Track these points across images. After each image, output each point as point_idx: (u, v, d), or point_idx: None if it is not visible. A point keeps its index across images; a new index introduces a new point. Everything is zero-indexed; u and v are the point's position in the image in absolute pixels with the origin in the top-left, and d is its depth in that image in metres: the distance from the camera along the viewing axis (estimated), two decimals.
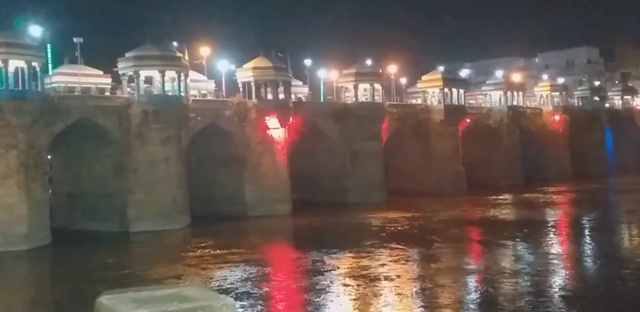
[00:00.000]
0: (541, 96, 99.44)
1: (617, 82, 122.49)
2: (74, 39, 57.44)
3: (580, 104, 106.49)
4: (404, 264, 38.11)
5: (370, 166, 71.42)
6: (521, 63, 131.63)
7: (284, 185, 63.38)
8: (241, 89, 63.57)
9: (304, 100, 75.64)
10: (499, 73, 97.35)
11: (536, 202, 70.15)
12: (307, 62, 78.49)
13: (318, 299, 30.20)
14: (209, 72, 69.64)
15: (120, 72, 55.56)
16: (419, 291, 31.56)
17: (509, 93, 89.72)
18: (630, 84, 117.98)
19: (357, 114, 70.55)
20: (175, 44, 63.17)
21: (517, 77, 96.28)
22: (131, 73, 54.50)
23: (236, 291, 31.64)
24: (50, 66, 57.72)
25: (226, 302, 6.98)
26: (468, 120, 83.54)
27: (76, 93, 56.86)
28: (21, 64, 47.49)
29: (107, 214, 53.94)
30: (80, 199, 55.81)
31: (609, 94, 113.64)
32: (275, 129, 62.76)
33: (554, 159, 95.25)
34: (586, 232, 52.21)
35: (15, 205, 46.31)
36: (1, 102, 45.83)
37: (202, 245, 46.22)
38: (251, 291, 32.05)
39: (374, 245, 43.96)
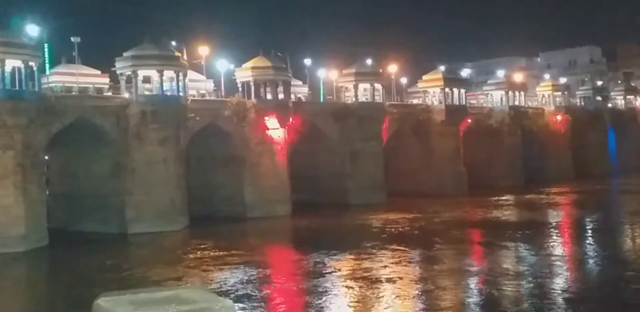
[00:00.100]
0: (543, 96, 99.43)
1: (619, 81, 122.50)
2: (72, 39, 57.40)
3: (582, 104, 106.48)
4: (405, 265, 38.07)
5: (370, 166, 71.38)
6: (523, 62, 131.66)
7: (283, 186, 63.34)
8: (240, 89, 63.50)
9: (303, 100, 75.62)
10: (500, 73, 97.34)
11: (538, 203, 70.11)
12: (307, 61, 78.47)
13: (319, 302, 30.15)
14: (208, 71, 69.66)
15: (118, 72, 55.49)
16: (421, 293, 31.51)
17: (510, 93, 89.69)
18: (633, 84, 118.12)
19: (357, 114, 70.52)
20: (173, 43, 63.13)
21: (518, 77, 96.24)
22: (129, 73, 54.47)
23: (236, 293, 31.59)
24: (47, 66, 57.62)
25: (225, 304, 6.95)
26: (469, 121, 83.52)
27: (74, 93, 56.81)
28: (18, 63, 47.45)
29: (105, 215, 53.86)
30: (77, 200, 55.70)
31: (612, 93, 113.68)
32: (275, 129, 62.72)
33: (556, 159, 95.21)
34: (589, 233, 52.22)
35: (12, 206, 46.24)
36: None
37: (201, 247, 46.18)
38: (251, 294, 31.98)
39: (375, 246, 43.92)
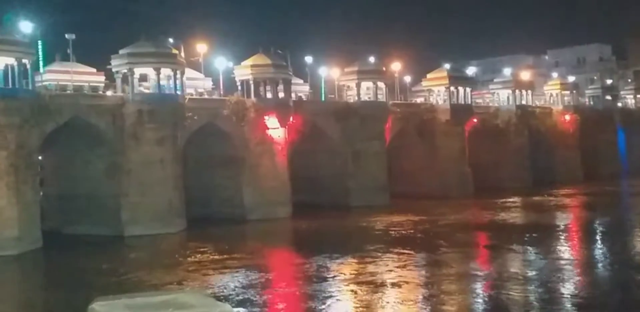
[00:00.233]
0: (551, 95, 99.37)
1: (630, 80, 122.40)
2: (66, 35, 57.38)
3: (591, 103, 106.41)
4: (410, 269, 37.96)
5: (373, 167, 71.35)
6: (530, 60, 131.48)
7: (284, 187, 63.30)
8: (239, 88, 63.50)
9: (304, 99, 75.59)
10: (507, 71, 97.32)
11: (546, 205, 70.06)
12: (308, 59, 78.39)
13: (322, 307, 30.03)
14: (206, 69, 69.59)
15: (113, 70, 55.53)
16: (426, 298, 31.38)
17: (517, 92, 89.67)
18: None
19: (359, 114, 70.51)
20: (171, 40, 62.92)
21: (525, 75, 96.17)
22: (125, 71, 54.43)
23: (236, 298, 31.50)
24: (41, 63, 57.56)
25: (224, 309, 6.88)
26: (475, 120, 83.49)
27: (68, 91, 56.75)
28: (11, 61, 47.46)
29: (100, 217, 53.85)
30: (72, 202, 55.64)
31: (622, 92, 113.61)
32: (275, 128, 62.69)
33: (564, 160, 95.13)
34: (598, 236, 52.16)
35: (5, 208, 46.25)
36: None
37: (200, 249, 46.11)
38: (252, 298, 31.87)
39: (378, 249, 43.87)
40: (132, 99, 54.07)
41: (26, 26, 50.97)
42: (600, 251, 45.16)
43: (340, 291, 33.13)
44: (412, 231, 53.65)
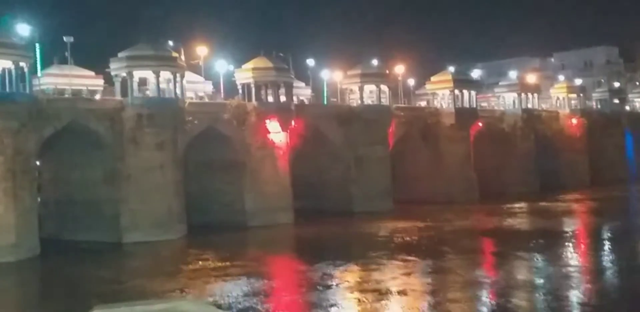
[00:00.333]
0: (557, 98, 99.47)
1: (638, 83, 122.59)
2: (64, 38, 57.55)
3: (598, 106, 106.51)
4: (415, 277, 38.16)
5: (376, 172, 71.44)
6: (536, 63, 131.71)
7: (285, 192, 63.41)
8: (240, 91, 63.69)
9: (306, 102, 75.76)
10: (512, 74, 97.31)
11: (553, 210, 70.16)
12: (310, 62, 78.57)
13: None
14: (207, 73, 69.83)
15: (112, 73, 55.69)
16: (433, 305, 31.52)
17: (523, 95, 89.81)
18: None
19: (362, 118, 70.66)
20: (170, 43, 63.31)
21: (531, 78, 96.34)
22: (124, 74, 54.62)
23: (239, 306, 31.66)
24: (38, 67, 57.80)
25: None
26: (480, 124, 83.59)
27: (66, 95, 56.93)
28: (8, 64, 47.62)
29: (99, 223, 53.95)
30: (70, 208, 55.80)
31: (630, 96, 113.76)
32: (277, 133, 62.83)
33: (571, 165, 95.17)
34: (606, 242, 52.30)
35: (2, 214, 46.32)
36: None
37: (201, 257, 46.25)
38: (255, 307, 31.98)
39: (382, 256, 44.04)
40: (131, 103, 54.24)
41: (23, 29, 51.16)
42: (609, 258, 45.27)
43: (345, 299, 33.27)
44: (416, 238, 53.80)
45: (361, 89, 72.68)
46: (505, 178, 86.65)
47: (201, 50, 67.71)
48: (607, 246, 50.68)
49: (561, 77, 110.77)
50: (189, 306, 7.27)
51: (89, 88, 61.59)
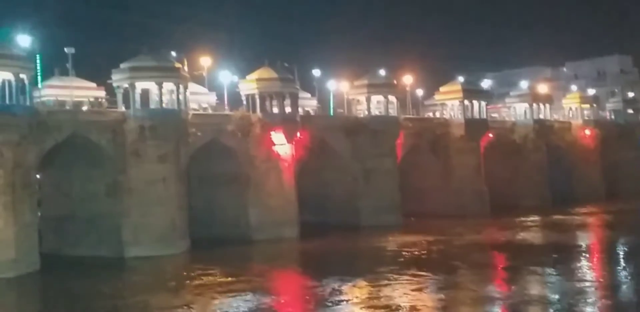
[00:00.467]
0: (570, 109, 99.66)
1: None
2: (65, 49, 58.00)
3: (612, 117, 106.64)
4: (427, 292, 38.33)
5: (384, 185, 71.65)
6: (548, 73, 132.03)
7: (291, 206, 63.63)
8: (244, 102, 64.04)
9: (312, 113, 76.05)
10: (523, 84, 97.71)
11: (566, 224, 70.21)
12: (316, 72, 78.94)
13: None
14: (210, 84, 70.25)
15: (114, 85, 56.14)
16: None
17: (534, 105, 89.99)
18: None
19: (369, 129, 70.98)
20: (173, 53, 63.82)
21: (543, 88, 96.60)
22: (126, 85, 55.07)
23: None
24: (39, 78, 58.30)
25: None
26: (490, 135, 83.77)
27: (67, 107, 57.32)
28: (8, 76, 48.04)
29: (101, 238, 54.28)
30: (71, 222, 56.10)
31: None
32: (282, 145, 63.15)
33: (584, 177, 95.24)
34: (621, 257, 52.30)
35: (2, 229, 46.60)
36: None
37: (205, 272, 46.42)
38: None
39: (392, 271, 44.21)
40: (133, 114, 54.64)
41: (24, 40, 51.54)
42: (624, 273, 45.25)
43: None
44: (426, 252, 53.97)
45: (368, 100, 72.97)
46: (516, 191, 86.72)
47: (205, 60, 68.24)
48: (622, 260, 50.66)
49: (574, 87, 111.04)
50: None
51: (91, 99, 61.88)
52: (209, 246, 55.94)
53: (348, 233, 64.06)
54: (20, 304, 42.57)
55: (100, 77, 60.75)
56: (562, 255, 50.46)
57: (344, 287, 39.67)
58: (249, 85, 63.67)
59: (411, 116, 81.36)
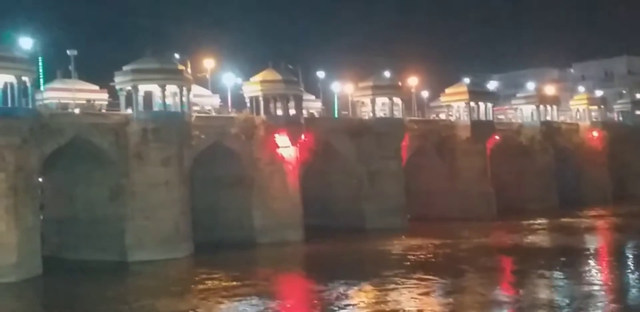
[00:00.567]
0: (577, 110, 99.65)
1: None
2: (68, 52, 58.31)
3: (620, 118, 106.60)
4: (434, 296, 38.41)
5: (389, 187, 71.72)
6: (555, 74, 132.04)
7: (295, 209, 63.70)
8: (248, 104, 64.16)
9: (316, 116, 76.14)
10: (530, 85, 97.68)
11: (574, 227, 70.24)
12: (320, 74, 79.23)
13: None
14: (214, 86, 70.43)
15: (117, 87, 56.27)
16: None
17: (541, 107, 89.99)
18: None
19: (374, 131, 71.06)
20: (177, 56, 63.89)
21: (550, 90, 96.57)
22: (129, 88, 55.21)
23: None
24: (41, 81, 58.49)
25: None
26: (497, 137, 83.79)
27: (70, 110, 57.46)
28: (10, 78, 48.15)
29: (103, 241, 54.33)
30: (74, 226, 56.25)
31: None
32: (286, 147, 63.24)
33: (592, 179, 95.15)
34: (630, 260, 52.34)
35: (4, 232, 46.70)
36: None
37: (210, 276, 46.48)
38: None
39: (398, 275, 44.29)
40: (136, 117, 54.76)
41: (26, 42, 51.83)
42: (633, 276, 45.24)
43: None
44: (433, 255, 54.05)
45: (373, 102, 73.04)
46: (523, 193, 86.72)
47: (208, 62, 68.40)
48: (631, 263, 50.63)
49: (581, 89, 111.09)
50: None
51: (94, 102, 62.06)
52: (213, 249, 56.00)
53: (353, 236, 64.09)
54: (22, 308, 42.55)
55: (102, 79, 60.96)
56: (571, 258, 50.50)
57: (350, 291, 39.76)
58: (252, 88, 63.78)
59: (416, 118, 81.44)
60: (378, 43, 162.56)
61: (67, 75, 61.85)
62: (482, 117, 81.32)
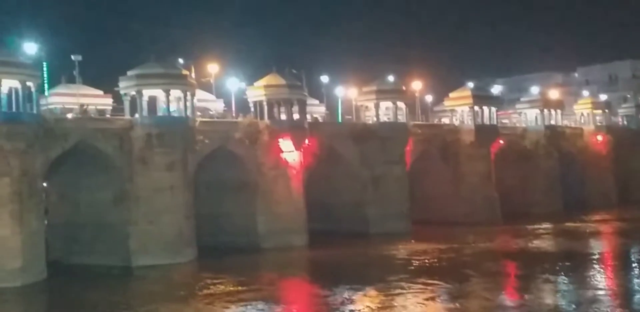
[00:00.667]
0: (582, 114, 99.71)
1: None
2: (72, 57, 58.37)
3: (625, 122, 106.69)
4: (440, 301, 38.51)
5: (393, 192, 71.79)
6: (559, 78, 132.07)
7: (299, 214, 63.78)
8: (252, 109, 64.29)
9: (320, 120, 76.24)
10: (534, 89, 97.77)
11: (579, 231, 70.29)
12: (324, 79, 79.29)
13: None
14: (218, 90, 70.54)
15: (121, 92, 56.46)
16: None
17: (545, 111, 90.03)
18: None
19: (378, 136, 71.14)
20: (181, 61, 64.21)
21: (554, 94, 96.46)
22: (134, 93, 55.39)
23: None
24: (46, 86, 58.67)
25: None
26: (501, 142, 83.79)
27: (74, 115, 57.63)
28: (15, 84, 48.26)
29: (108, 246, 54.46)
30: (78, 231, 56.30)
31: None
32: (290, 152, 63.35)
33: (597, 184, 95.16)
34: (635, 265, 52.33)
35: (8, 237, 46.83)
36: None
37: (214, 280, 46.54)
38: None
39: (403, 280, 44.39)
40: (140, 122, 54.92)
41: (30, 47, 51.96)
42: (638, 281, 45.36)
43: None
44: (437, 260, 54.04)
45: (377, 106, 73.13)
46: (528, 198, 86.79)
47: (212, 67, 68.57)
48: (636, 268, 50.72)
49: (585, 93, 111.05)
50: None
51: (98, 107, 62.22)
52: (217, 254, 56.13)
53: (357, 241, 64.12)
54: None
55: (107, 84, 61.19)
56: (576, 263, 50.56)
57: (356, 296, 39.88)
58: (256, 92, 63.94)
59: (420, 122, 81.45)
60: (382, 48, 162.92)
61: (71, 80, 61.96)
62: (486, 121, 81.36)
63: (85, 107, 59.47)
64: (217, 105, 71.15)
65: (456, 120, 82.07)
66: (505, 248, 60.61)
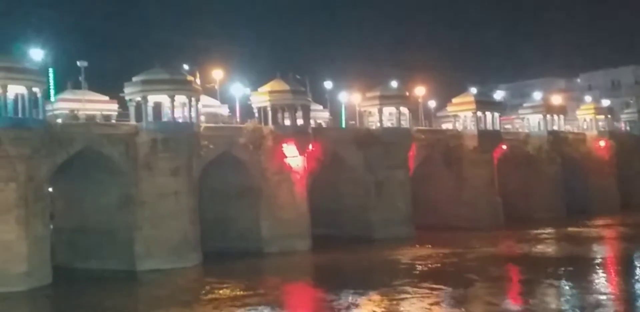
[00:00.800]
0: (584, 120, 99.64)
1: None
2: (78, 63, 58.64)
3: (628, 128, 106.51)
4: (444, 306, 38.43)
5: (396, 197, 71.87)
6: (562, 84, 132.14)
7: (303, 219, 63.87)
8: (256, 115, 64.46)
9: (324, 126, 76.40)
10: (537, 95, 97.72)
11: (582, 236, 70.18)
12: (328, 84, 79.48)
13: None
14: (222, 96, 70.72)
15: (127, 98, 56.66)
16: None
17: (548, 117, 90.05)
18: None
19: (382, 141, 71.22)
20: (185, 66, 64.42)
21: (557, 100, 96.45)
22: (139, 98, 55.58)
23: None
24: (52, 92, 58.88)
25: None
26: (504, 147, 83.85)
27: (80, 120, 57.84)
28: (21, 89, 48.53)
29: (113, 251, 54.53)
30: (83, 235, 56.41)
31: None
32: (294, 157, 63.47)
33: (599, 189, 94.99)
34: (639, 270, 52.20)
35: (14, 242, 46.95)
36: None
37: (219, 285, 46.55)
38: None
39: (407, 285, 44.39)
40: (145, 127, 55.08)
41: (36, 53, 52.18)
42: None
43: None
44: (440, 265, 54.06)
45: (380, 112, 73.28)
46: (531, 203, 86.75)
47: (217, 73, 68.75)
48: (639, 273, 50.59)
49: (588, 98, 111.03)
50: None
51: (103, 113, 62.45)
52: (221, 258, 56.20)
53: (361, 246, 64.18)
54: None
55: (112, 90, 61.31)
56: (579, 268, 50.49)
57: (361, 301, 39.90)
58: (260, 98, 64.11)
59: (423, 128, 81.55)
60: (385, 53, 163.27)
61: (77, 86, 62.25)
62: (489, 126, 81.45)
63: (76, 112, 59.63)
64: (221, 111, 71.28)
65: (459, 125, 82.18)
66: (509, 253, 60.62)
